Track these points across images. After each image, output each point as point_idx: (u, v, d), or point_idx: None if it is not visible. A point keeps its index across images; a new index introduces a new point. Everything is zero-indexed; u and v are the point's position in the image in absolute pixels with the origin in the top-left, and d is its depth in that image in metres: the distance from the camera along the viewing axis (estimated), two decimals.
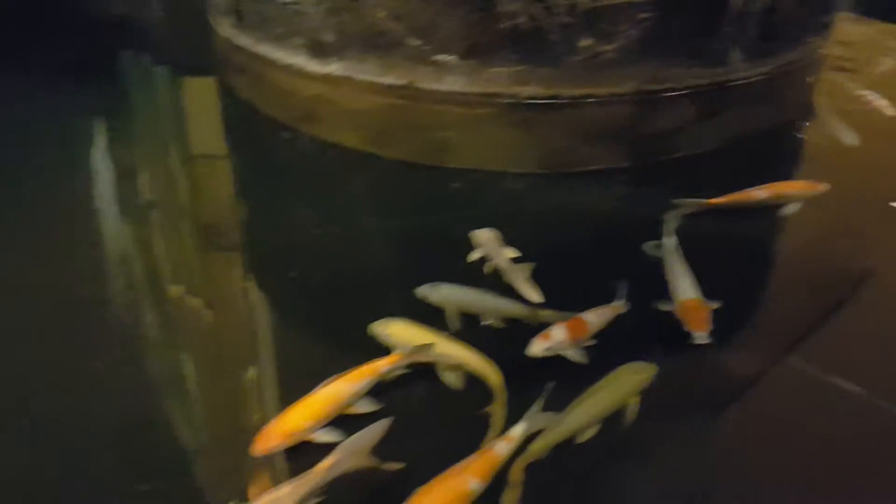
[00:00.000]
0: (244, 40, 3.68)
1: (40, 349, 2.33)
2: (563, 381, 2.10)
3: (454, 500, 1.74)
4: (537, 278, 2.45)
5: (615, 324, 2.28)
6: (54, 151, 3.52)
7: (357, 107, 3.33)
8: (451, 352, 2.18)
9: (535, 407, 1.94)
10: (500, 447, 1.84)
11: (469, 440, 1.91)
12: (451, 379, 2.15)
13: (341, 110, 3.38)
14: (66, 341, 2.36)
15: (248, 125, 3.77)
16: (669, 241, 2.59)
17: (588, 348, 2.21)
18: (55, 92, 4.13)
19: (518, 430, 1.88)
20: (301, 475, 1.75)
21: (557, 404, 1.98)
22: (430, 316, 2.31)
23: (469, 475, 1.77)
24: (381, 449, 1.87)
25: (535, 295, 2.39)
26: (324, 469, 1.74)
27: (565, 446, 1.93)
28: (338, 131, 3.43)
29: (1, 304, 2.51)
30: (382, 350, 2.21)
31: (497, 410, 2.03)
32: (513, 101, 3.06)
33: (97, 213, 3.08)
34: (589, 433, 1.96)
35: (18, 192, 3.17)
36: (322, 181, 3.32)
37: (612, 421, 2.00)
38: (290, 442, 1.91)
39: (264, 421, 1.99)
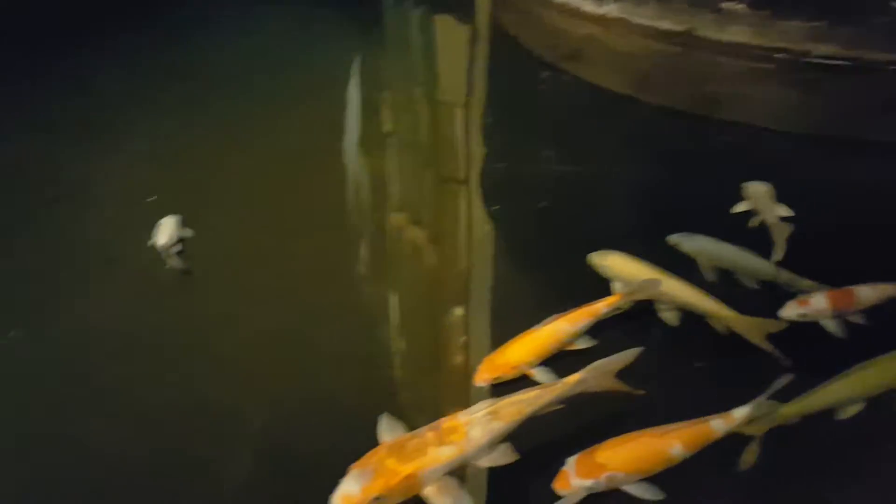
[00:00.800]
0: None
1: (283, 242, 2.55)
2: (821, 355, 1.97)
3: (651, 458, 1.68)
4: (802, 244, 2.29)
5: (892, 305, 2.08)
6: (308, 78, 3.72)
7: (627, 50, 3.24)
8: (674, 289, 2.11)
9: (768, 392, 1.76)
10: (717, 423, 1.72)
11: (706, 395, 1.85)
12: (670, 317, 2.10)
13: (609, 52, 3.31)
14: (305, 238, 2.57)
15: (510, 62, 3.81)
16: None
17: (854, 326, 2.04)
18: (315, 21, 4.37)
19: (741, 412, 1.74)
20: (548, 383, 1.78)
21: (813, 376, 1.84)
22: (680, 266, 2.22)
23: (675, 439, 1.69)
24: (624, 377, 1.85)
25: (779, 253, 2.24)
26: (571, 382, 1.76)
27: (824, 417, 1.81)
28: (602, 73, 3.38)
29: (247, 203, 2.75)
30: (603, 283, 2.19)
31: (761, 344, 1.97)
32: (802, 58, 2.83)
33: (342, 139, 3.24)
34: (852, 409, 1.81)
35: (273, 110, 3.39)
36: (576, 121, 3.29)
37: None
38: (510, 374, 1.95)
39: (483, 350, 2.04)
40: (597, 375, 1.78)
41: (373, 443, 1.66)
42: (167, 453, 1.83)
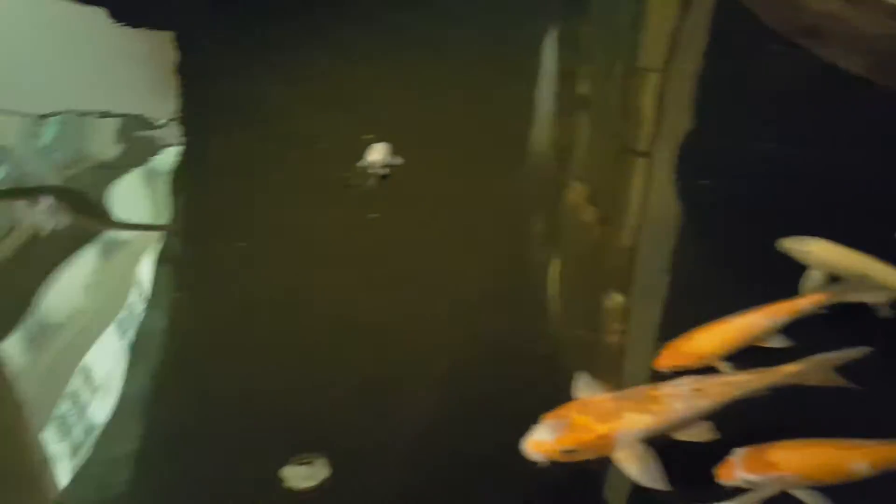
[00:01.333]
0: None
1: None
2: None
3: (829, 469, 1.56)
4: None
5: None
6: (507, 40, 3.62)
7: (873, 31, 2.99)
8: (887, 275, 1.94)
9: None
10: None
11: None
12: (885, 310, 1.94)
13: (852, 32, 3.06)
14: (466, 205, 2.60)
15: (736, 32, 3.59)
16: None
17: None
18: None
19: None
20: (761, 369, 1.70)
21: None
22: None
23: (860, 456, 1.56)
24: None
25: None
26: (787, 372, 1.69)
27: None
28: (839, 53, 3.12)
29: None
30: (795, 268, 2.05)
31: None
32: None
33: (530, 106, 3.19)
34: None
35: (469, 71, 3.35)
36: (801, 100, 3.07)
37: None
38: (694, 364, 1.84)
39: (657, 334, 1.99)
40: (816, 369, 1.70)
41: (544, 404, 1.65)
42: (357, 371, 1.99)
